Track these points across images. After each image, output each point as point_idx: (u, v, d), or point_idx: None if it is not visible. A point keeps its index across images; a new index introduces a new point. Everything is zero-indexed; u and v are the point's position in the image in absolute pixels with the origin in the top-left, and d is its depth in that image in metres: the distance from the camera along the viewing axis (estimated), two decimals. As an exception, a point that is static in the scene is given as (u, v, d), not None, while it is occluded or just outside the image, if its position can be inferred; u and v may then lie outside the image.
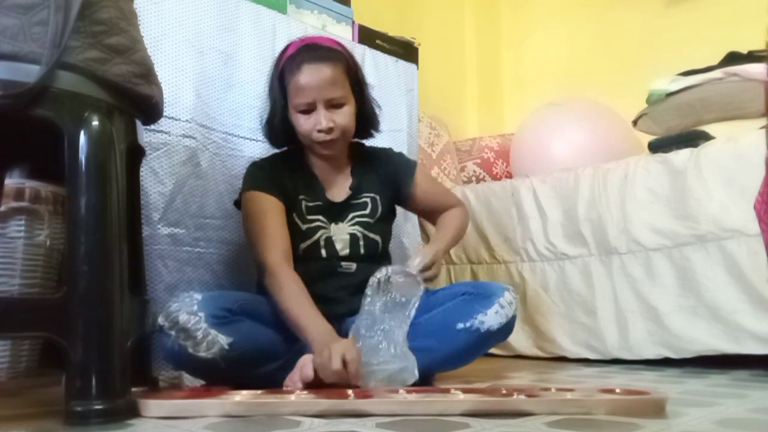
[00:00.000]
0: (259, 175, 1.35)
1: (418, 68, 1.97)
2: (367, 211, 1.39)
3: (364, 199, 1.40)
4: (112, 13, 0.93)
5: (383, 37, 1.89)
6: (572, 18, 2.74)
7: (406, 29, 2.05)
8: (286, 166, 1.39)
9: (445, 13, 2.88)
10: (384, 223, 1.43)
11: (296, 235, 1.34)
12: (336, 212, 1.38)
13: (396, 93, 1.88)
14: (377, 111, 1.41)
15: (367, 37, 1.84)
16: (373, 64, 1.82)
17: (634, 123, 2.07)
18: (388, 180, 1.44)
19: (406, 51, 1.95)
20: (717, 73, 1.81)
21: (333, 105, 1.29)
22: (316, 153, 1.36)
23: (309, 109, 1.29)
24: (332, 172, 1.41)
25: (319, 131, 1.28)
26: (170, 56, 1.36)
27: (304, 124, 1.30)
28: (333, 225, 1.37)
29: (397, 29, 1.99)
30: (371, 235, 1.38)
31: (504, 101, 3.00)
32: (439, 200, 1.49)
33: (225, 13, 1.49)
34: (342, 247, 1.36)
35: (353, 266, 1.36)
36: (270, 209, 1.31)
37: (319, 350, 1.09)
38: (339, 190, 1.40)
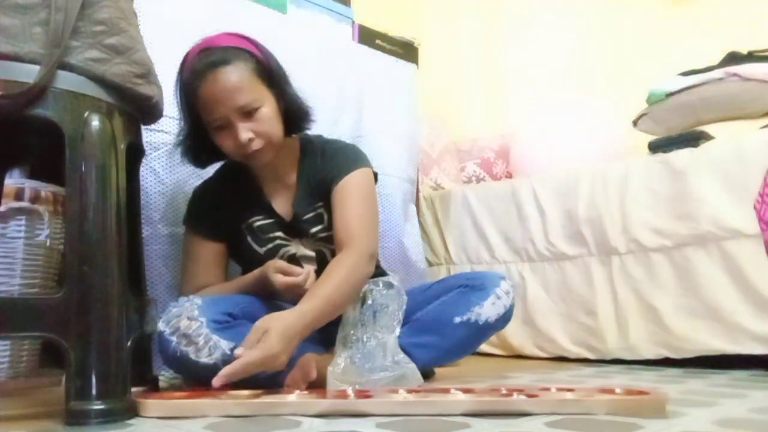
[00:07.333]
0: (194, 208, 1.32)
1: (418, 68, 1.97)
2: (326, 224, 1.28)
3: (316, 212, 1.29)
4: (112, 13, 0.93)
5: (383, 37, 1.89)
6: (572, 18, 2.74)
7: (406, 29, 2.05)
8: (230, 185, 1.31)
9: (445, 13, 2.88)
10: None
11: (256, 261, 1.27)
12: (295, 228, 1.29)
13: (396, 93, 1.88)
14: (301, 102, 1.27)
15: (367, 37, 1.85)
16: (373, 64, 1.83)
17: (634, 123, 2.07)
18: (321, 183, 1.28)
19: (406, 51, 1.95)
20: (717, 73, 1.81)
21: (247, 112, 1.16)
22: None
23: (224, 124, 1.17)
24: (276, 182, 1.31)
25: (240, 146, 1.17)
26: (170, 56, 1.36)
27: (224, 141, 1.19)
28: (297, 241, 1.30)
29: (397, 29, 2.00)
30: None
31: (504, 101, 3.00)
32: (337, 226, 1.22)
33: (225, 13, 1.49)
34: (308, 264, 1.29)
35: None
36: (194, 247, 1.29)
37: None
38: (285, 204, 1.30)
